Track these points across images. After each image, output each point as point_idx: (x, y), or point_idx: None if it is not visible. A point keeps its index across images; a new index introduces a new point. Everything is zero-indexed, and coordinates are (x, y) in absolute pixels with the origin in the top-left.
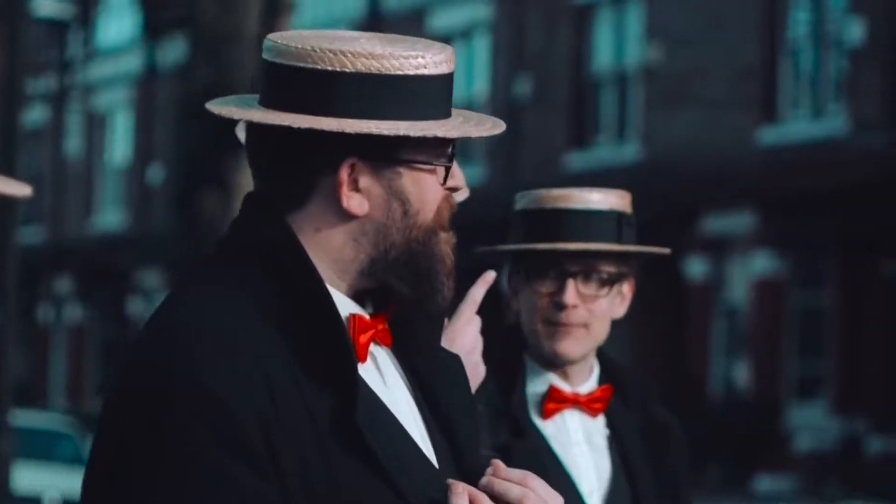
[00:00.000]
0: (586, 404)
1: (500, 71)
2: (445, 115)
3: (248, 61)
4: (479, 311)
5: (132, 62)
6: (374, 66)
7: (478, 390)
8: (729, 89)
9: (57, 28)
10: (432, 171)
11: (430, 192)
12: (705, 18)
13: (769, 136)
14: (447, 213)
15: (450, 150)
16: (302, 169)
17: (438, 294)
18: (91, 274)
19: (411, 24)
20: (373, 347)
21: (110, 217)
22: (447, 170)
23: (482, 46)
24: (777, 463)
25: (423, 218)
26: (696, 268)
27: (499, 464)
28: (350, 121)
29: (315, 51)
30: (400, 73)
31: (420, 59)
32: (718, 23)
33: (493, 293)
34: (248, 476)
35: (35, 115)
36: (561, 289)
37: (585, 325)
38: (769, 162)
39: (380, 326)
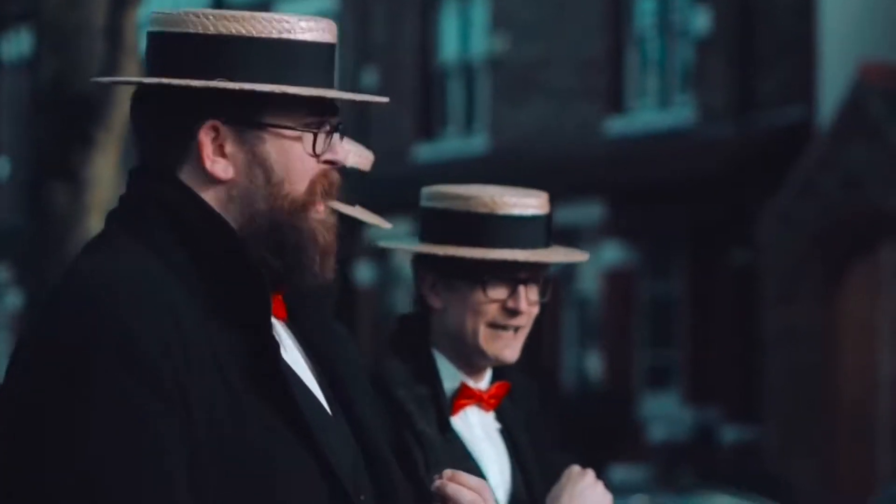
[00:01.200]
0: (486, 400)
1: (347, 62)
2: (322, 85)
3: (96, 53)
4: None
5: None
6: (236, 28)
7: (383, 370)
8: (575, 80)
9: None
10: (298, 139)
11: (296, 160)
12: (551, 8)
13: (616, 126)
14: (325, 188)
15: (324, 121)
16: (171, 132)
17: (306, 271)
18: None
19: None
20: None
21: None
22: (315, 137)
23: None
24: (630, 453)
25: (290, 188)
26: None
27: (459, 473)
28: (214, 81)
29: (187, 16)
30: (264, 35)
31: (286, 23)
32: (564, 13)
33: (344, 288)
34: (157, 404)
35: None
36: (513, 295)
37: (522, 328)
38: (617, 152)
39: (276, 295)
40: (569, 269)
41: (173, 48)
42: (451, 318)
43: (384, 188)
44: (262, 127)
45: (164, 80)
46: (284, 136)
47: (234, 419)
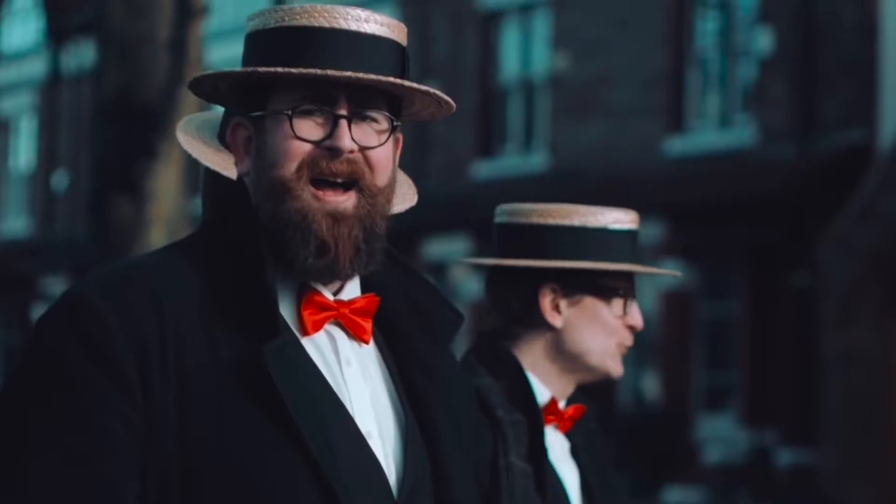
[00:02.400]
0: (563, 421)
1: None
2: (332, 67)
3: (160, 65)
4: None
5: (36, 67)
6: (260, 24)
7: (478, 389)
8: (636, 98)
9: None
10: (285, 122)
11: (280, 143)
12: (612, 26)
13: (676, 145)
14: (318, 169)
15: (313, 103)
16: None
17: (297, 260)
18: None
19: None
20: (349, 342)
21: (14, 223)
22: (290, 118)
23: None
24: (686, 475)
25: (277, 173)
26: None
27: None
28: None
29: (273, 11)
30: (278, 25)
31: (304, 14)
32: (626, 31)
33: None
34: (102, 382)
35: None
36: (630, 312)
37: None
38: (676, 172)
39: (343, 310)
40: None
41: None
42: (574, 335)
43: (443, 205)
44: (260, 116)
45: (222, 71)
46: (276, 121)
47: (211, 415)
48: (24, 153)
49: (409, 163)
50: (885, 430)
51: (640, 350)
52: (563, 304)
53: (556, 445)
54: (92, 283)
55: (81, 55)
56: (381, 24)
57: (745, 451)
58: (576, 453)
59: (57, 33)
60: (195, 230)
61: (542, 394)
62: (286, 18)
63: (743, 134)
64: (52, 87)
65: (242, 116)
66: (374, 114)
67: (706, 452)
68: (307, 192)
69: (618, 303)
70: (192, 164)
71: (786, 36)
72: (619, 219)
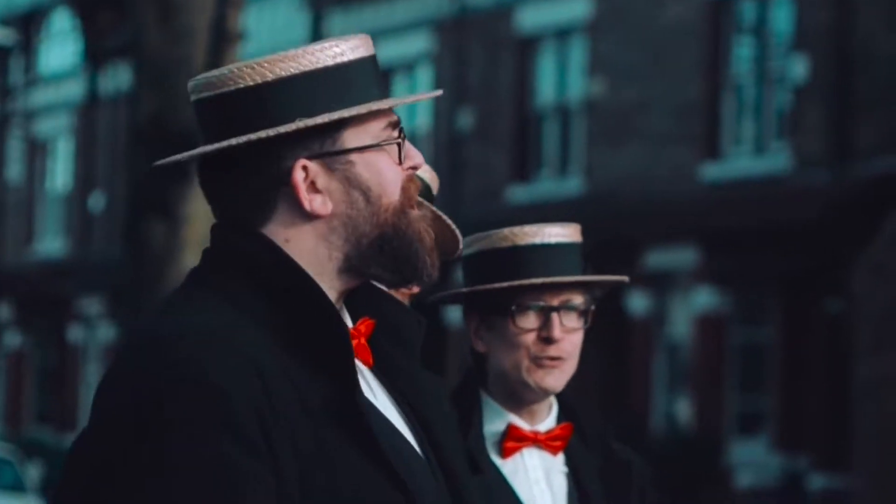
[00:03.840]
0: (545, 442)
1: (443, 103)
2: (380, 97)
3: None
4: (424, 350)
5: (74, 89)
6: (293, 67)
7: None
8: (672, 124)
9: None
10: (382, 152)
11: (387, 173)
12: (649, 53)
13: (712, 171)
14: (414, 192)
15: (396, 130)
16: (257, 186)
17: (423, 271)
18: (31, 301)
19: None
20: (357, 362)
21: (51, 244)
22: (399, 147)
23: (424, 79)
24: (719, 499)
25: (388, 200)
26: (638, 302)
27: None
28: (296, 122)
29: (233, 71)
30: (321, 66)
31: (336, 48)
32: (662, 57)
33: (435, 329)
34: (250, 462)
35: None
36: (546, 323)
37: (567, 358)
38: (711, 197)
39: (360, 340)
40: (661, 314)
41: (230, 107)
42: (495, 357)
43: (477, 229)
44: (347, 152)
45: (253, 137)
46: (369, 154)
47: (324, 465)
48: (60, 174)
49: (445, 186)
50: None
51: (674, 374)
52: (483, 329)
53: (539, 467)
54: (186, 349)
55: (119, 77)
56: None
57: (777, 475)
58: (577, 478)
59: (94, 56)
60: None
61: (502, 416)
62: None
63: (777, 161)
64: (89, 109)
65: (311, 157)
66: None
67: (738, 477)
68: (412, 211)
69: (531, 316)
70: None
71: (821, 63)
72: (540, 234)
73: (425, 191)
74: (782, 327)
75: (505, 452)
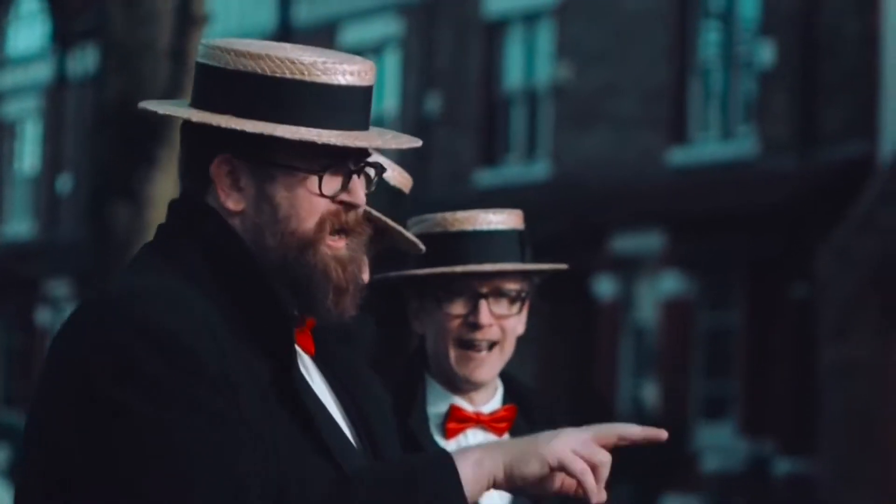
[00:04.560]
0: (489, 423)
1: (411, 87)
2: (351, 126)
3: (161, 73)
4: (387, 331)
5: (42, 71)
6: (252, 66)
7: None
8: (639, 109)
9: None
10: (306, 178)
11: (303, 199)
12: (616, 38)
13: (678, 156)
14: (334, 227)
15: (345, 162)
16: (196, 163)
17: (319, 306)
18: None
19: (322, 38)
20: (297, 350)
21: (18, 226)
22: (320, 179)
23: (392, 62)
24: (685, 483)
25: (297, 226)
26: (604, 287)
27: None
28: (224, 116)
29: (214, 49)
30: (290, 76)
31: (327, 64)
32: (629, 42)
33: (401, 313)
34: (228, 407)
35: None
36: (474, 309)
37: (497, 344)
38: (678, 182)
39: (305, 329)
40: (627, 298)
41: (199, 81)
42: (429, 341)
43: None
44: (272, 165)
45: (171, 112)
46: (293, 175)
47: (269, 426)
48: (28, 156)
49: (412, 170)
50: (882, 441)
51: (640, 359)
52: (420, 312)
53: None
54: (145, 305)
55: (86, 60)
56: (370, 71)
57: (743, 460)
58: None
59: (62, 38)
60: (171, 251)
61: (444, 398)
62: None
63: (744, 146)
64: (57, 92)
65: (235, 154)
66: (368, 163)
67: (704, 461)
68: (339, 244)
69: (460, 303)
70: None
71: (787, 48)
72: (475, 220)
73: (394, 195)
74: (748, 312)
75: (448, 433)
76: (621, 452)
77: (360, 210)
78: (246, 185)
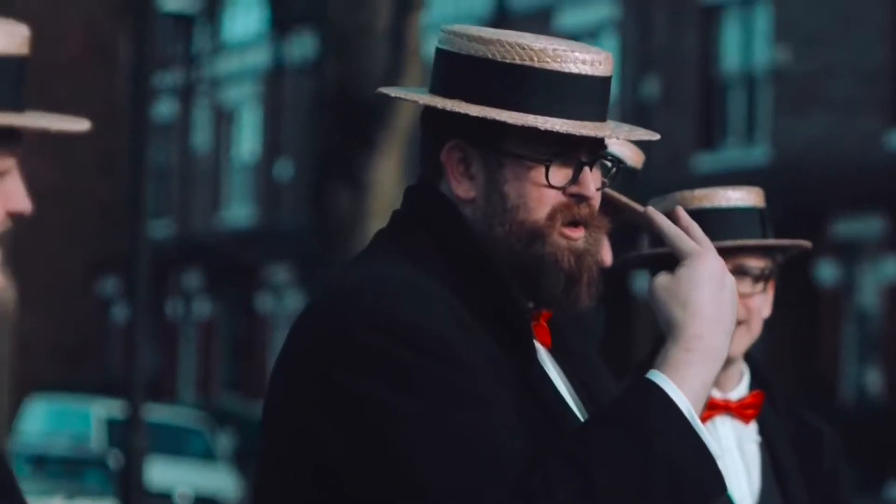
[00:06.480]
0: (737, 410)
1: (628, 71)
2: (581, 116)
3: (379, 56)
4: (610, 318)
5: (259, 57)
6: (487, 51)
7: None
8: (858, 91)
9: (183, 22)
10: (535, 168)
11: (531, 189)
12: (834, 19)
13: None
14: (565, 218)
15: (578, 152)
16: (430, 149)
17: (551, 296)
18: (220, 269)
19: (538, 23)
20: (538, 346)
21: (238, 212)
22: (547, 169)
23: (609, 46)
24: None
25: (526, 216)
26: (826, 272)
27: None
28: (452, 101)
29: (450, 34)
30: (507, 61)
31: (566, 52)
32: (847, 23)
33: (622, 297)
34: (475, 386)
35: (163, 109)
36: None
37: (743, 322)
38: None
39: (541, 322)
40: (849, 283)
41: (436, 66)
42: None
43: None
44: (500, 152)
45: (406, 96)
46: (521, 164)
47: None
48: (247, 142)
49: None
50: None
51: (863, 344)
52: None
53: (730, 437)
54: (389, 295)
55: (304, 45)
56: (605, 62)
57: None
58: (771, 448)
59: (280, 23)
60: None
61: None
62: (534, 58)
63: None
64: (275, 77)
65: (465, 140)
66: (603, 155)
67: None
68: (557, 234)
69: None
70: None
71: None
72: (715, 197)
73: (629, 173)
74: None
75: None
76: (846, 438)
77: (595, 203)
78: (476, 172)
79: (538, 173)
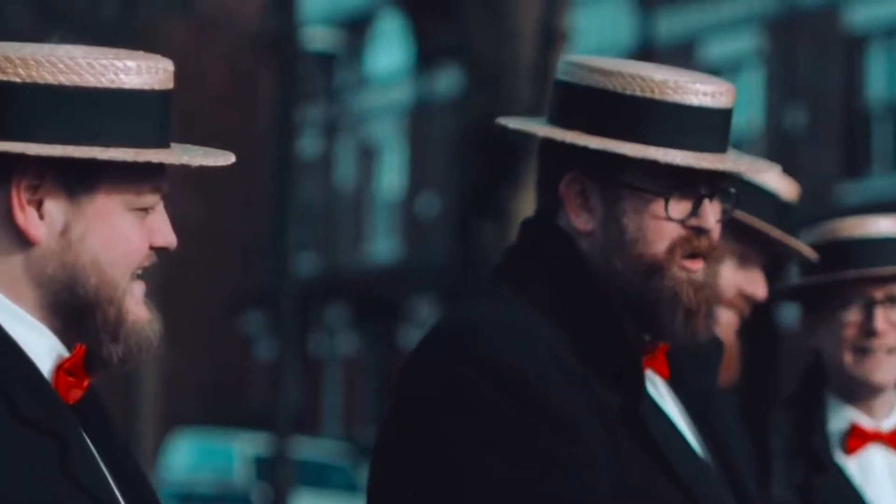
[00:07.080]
0: (890, 440)
1: (773, 101)
2: (701, 148)
3: (524, 91)
4: (754, 349)
5: (402, 92)
6: (608, 83)
7: (770, 426)
8: None
9: (326, 58)
10: (654, 201)
11: (651, 222)
12: None
13: None
14: (685, 252)
15: (699, 185)
16: (548, 181)
17: (668, 328)
18: (364, 304)
19: (682, 55)
20: (650, 374)
21: (382, 246)
22: (667, 202)
23: (753, 77)
24: None
25: (645, 250)
26: None
27: None
28: (572, 132)
29: (571, 66)
30: (642, 95)
31: (673, 83)
32: None
33: (767, 330)
34: (566, 447)
35: (306, 145)
36: (869, 316)
37: (893, 351)
38: None
39: (658, 353)
40: None
41: (556, 97)
42: (825, 353)
43: (808, 227)
44: (620, 184)
45: (525, 128)
46: (640, 197)
47: (615, 460)
48: (390, 178)
49: None
50: None
51: None
52: (813, 324)
53: (884, 467)
54: (488, 338)
55: (448, 80)
56: (726, 94)
57: None
58: None
59: (424, 57)
60: (519, 276)
61: (843, 414)
62: (655, 90)
63: None
64: (419, 112)
65: (584, 172)
66: (722, 188)
67: None
68: (676, 267)
69: (854, 310)
70: None
71: None
72: (863, 226)
73: (783, 206)
74: None
75: (848, 449)
76: None
77: (714, 235)
78: (595, 204)
79: (658, 206)
